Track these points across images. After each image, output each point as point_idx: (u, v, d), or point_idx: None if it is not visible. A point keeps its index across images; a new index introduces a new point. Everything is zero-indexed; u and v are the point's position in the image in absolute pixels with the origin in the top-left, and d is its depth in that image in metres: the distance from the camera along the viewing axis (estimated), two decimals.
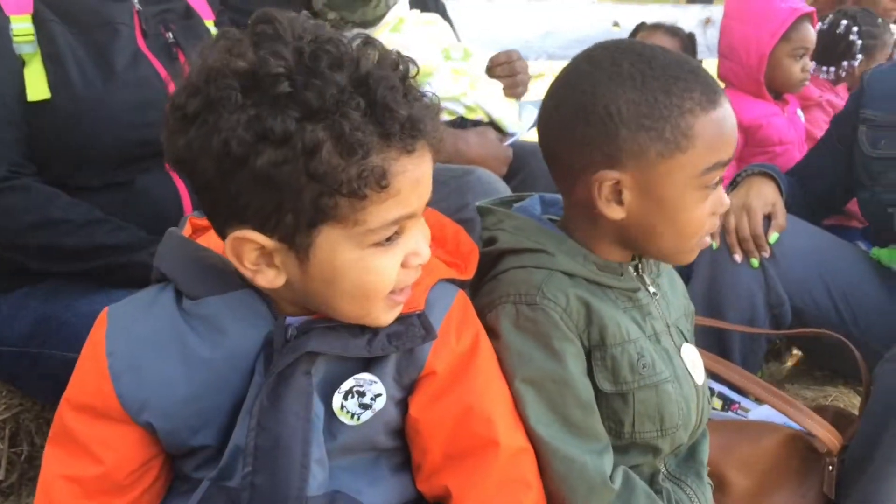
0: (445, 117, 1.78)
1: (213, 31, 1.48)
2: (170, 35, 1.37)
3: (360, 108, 0.72)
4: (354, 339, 0.83)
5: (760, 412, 1.41)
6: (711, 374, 1.36)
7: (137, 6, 1.35)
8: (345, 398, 0.83)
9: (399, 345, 0.84)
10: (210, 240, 0.87)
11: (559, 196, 1.03)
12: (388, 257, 0.79)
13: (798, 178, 1.82)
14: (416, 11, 1.92)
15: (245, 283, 0.82)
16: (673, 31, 2.62)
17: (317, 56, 0.72)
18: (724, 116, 0.91)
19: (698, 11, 3.16)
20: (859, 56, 2.54)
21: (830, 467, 1.27)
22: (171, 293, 0.84)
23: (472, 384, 0.87)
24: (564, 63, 0.99)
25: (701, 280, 1.66)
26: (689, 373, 1.01)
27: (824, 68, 2.57)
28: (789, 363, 2.02)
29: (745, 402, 1.47)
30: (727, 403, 1.48)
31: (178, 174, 1.26)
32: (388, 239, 0.78)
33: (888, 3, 2.80)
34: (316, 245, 0.76)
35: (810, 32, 2.22)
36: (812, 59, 2.27)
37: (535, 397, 0.91)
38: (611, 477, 0.92)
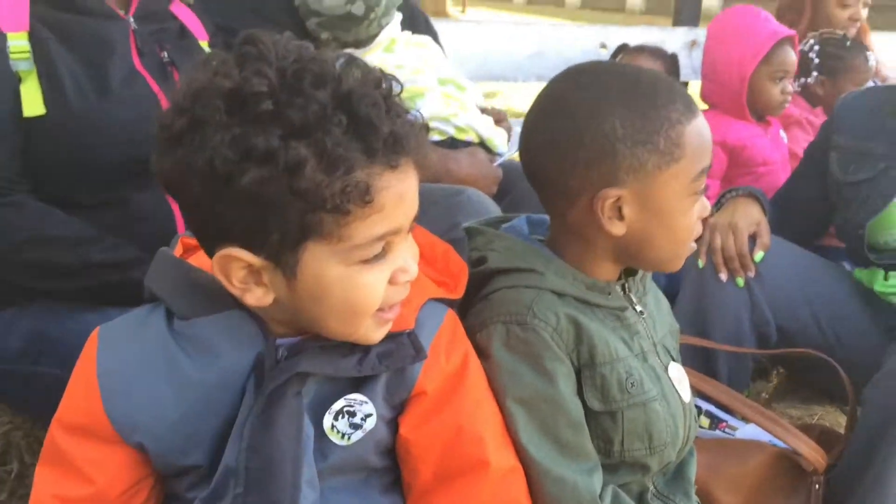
0: (436, 137, 1.79)
1: (208, 51, 1.49)
2: (165, 54, 1.38)
3: (343, 125, 0.72)
4: (345, 360, 0.83)
5: (747, 431, 1.42)
6: (699, 393, 1.38)
7: (133, 25, 1.35)
8: (335, 418, 0.84)
9: (389, 364, 0.84)
10: (201, 259, 0.87)
11: (546, 216, 1.05)
12: (375, 274, 0.78)
13: (779, 213, 1.83)
14: (408, 33, 1.94)
15: (235, 304, 0.82)
16: (656, 53, 2.61)
17: (299, 75, 0.73)
18: (703, 124, 0.95)
19: (684, 34, 3.19)
20: (815, 74, 2.56)
21: (817, 486, 1.28)
22: (162, 313, 0.84)
23: (462, 404, 0.88)
24: None
25: (687, 299, 1.67)
26: (677, 391, 1.03)
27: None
28: (775, 382, 2.03)
29: (732, 420, 1.47)
30: (715, 422, 1.49)
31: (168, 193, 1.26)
32: (376, 256, 0.78)
33: (839, 14, 2.78)
34: (303, 262, 0.76)
35: (790, 56, 2.24)
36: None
37: (526, 417, 0.91)
38: (600, 496, 0.92)
